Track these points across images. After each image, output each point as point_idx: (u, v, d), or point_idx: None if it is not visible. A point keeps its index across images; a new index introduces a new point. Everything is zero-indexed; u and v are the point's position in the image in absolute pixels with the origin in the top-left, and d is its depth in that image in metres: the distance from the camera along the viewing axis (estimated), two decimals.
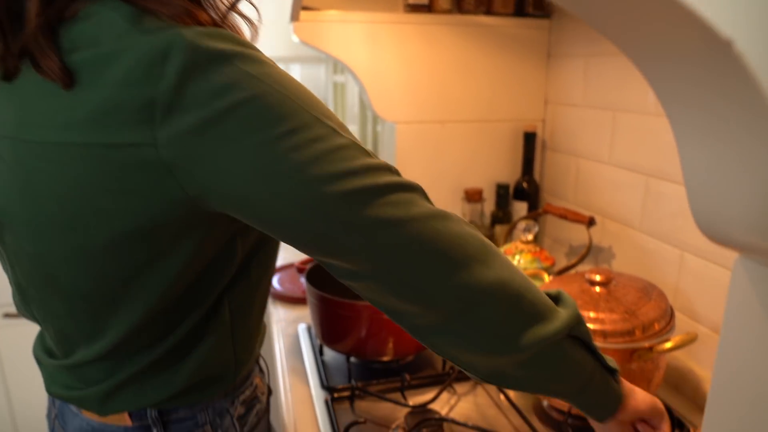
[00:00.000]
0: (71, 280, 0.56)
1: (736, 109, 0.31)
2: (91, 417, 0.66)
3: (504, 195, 1.45)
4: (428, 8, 1.38)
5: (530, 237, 1.18)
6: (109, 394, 0.63)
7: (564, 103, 1.38)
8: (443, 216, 0.53)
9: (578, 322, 0.57)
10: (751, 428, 0.38)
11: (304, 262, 1.43)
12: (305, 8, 1.27)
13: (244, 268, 0.64)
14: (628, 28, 0.33)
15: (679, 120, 0.35)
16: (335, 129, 0.49)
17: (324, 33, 1.29)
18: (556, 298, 0.60)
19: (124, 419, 0.65)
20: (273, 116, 0.46)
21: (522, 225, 1.19)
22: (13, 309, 1.85)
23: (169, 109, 0.46)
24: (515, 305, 0.53)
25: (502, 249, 1.22)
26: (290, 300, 1.35)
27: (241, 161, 0.47)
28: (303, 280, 1.39)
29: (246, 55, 0.48)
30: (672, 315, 0.86)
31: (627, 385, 0.63)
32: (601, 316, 0.83)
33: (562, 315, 0.56)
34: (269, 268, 0.70)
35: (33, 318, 0.66)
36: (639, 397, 0.63)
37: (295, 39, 1.33)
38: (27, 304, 0.65)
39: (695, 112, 0.33)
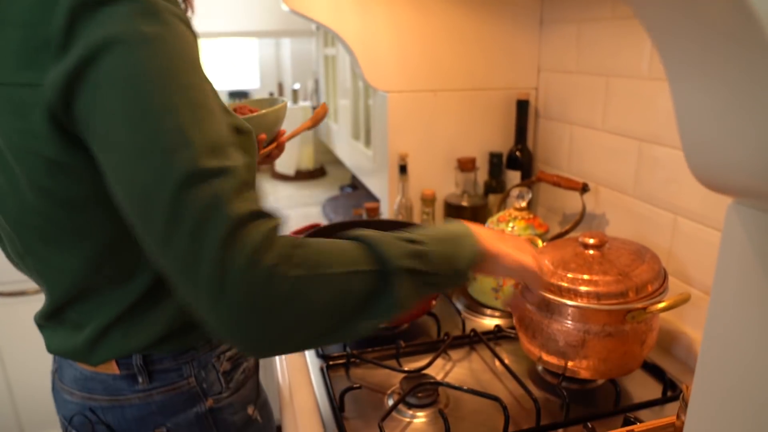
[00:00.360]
0: (20, 216, 0.59)
1: (737, 48, 0.30)
2: (84, 367, 0.69)
3: (497, 164, 1.44)
4: None
5: (523, 204, 1.18)
6: (96, 340, 0.65)
7: (557, 70, 1.37)
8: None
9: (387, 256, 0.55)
10: (741, 384, 0.38)
11: (299, 231, 1.42)
12: None
13: None
14: None
15: (675, 62, 0.34)
16: (190, 128, 0.48)
17: (314, 1, 1.27)
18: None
19: (112, 367, 0.67)
20: (142, 86, 0.47)
21: (515, 192, 1.19)
22: (6, 287, 1.85)
23: (58, 50, 0.47)
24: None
25: (496, 216, 1.22)
26: None
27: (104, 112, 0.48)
28: None
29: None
30: (665, 277, 0.87)
31: (491, 248, 0.67)
32: (595, 278, 0.83)
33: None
34: None
35: (28, 271, 0.68)
36: (504, 260, 0.68)
37: (285, 8, 1.30)
38: (17, 255, 0.67)
39: (693, 52, 0.33)
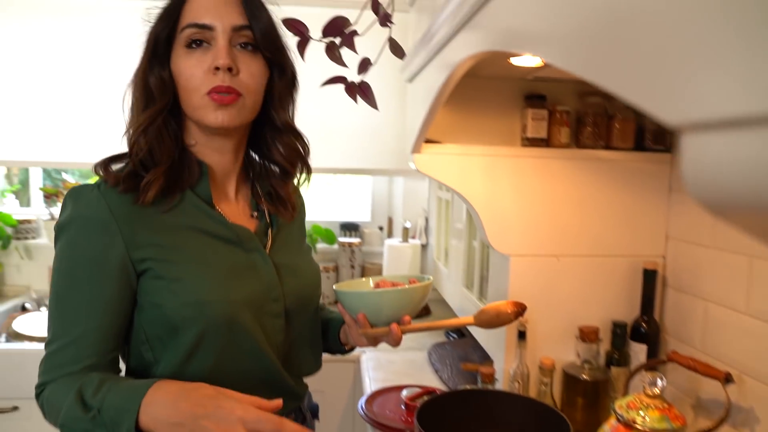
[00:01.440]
0: None
1: None
2: None
3: (621, 335, 1.36)
4: (546, 142, 1.39)
5: (657, 391, 1.09)
6: None
7: (689, 240, 1.31)
8: None
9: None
10: None
11: (414, 397, 1.38)
12: (428, 141, 1.31)
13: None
14: None
15: None
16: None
17: (442, 164, 1.32)
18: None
19: None
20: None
21: (647, 377, 1.10)
22: None
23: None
24: None
25: (624, 401, 1.13)
26: (391, 430, 1.30)
27: None
28: (415, 421, 1.34)
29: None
30: None
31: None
32: None
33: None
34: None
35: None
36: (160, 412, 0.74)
37: (412, 166, 1.37)
38: None
39: None
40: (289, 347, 0.99)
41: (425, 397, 1.34)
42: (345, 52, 1.17)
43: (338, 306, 1.02)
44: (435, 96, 1.06)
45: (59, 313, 0.85)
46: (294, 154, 1.00)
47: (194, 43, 0.86)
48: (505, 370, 1.38)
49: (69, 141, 2.40)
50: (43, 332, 2.15)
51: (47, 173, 2.89)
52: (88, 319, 0.83)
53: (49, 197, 2.68)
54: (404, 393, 1.46)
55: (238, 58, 0.87)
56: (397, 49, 1.28)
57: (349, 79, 1.20)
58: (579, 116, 1.42)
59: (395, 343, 0.97)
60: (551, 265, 1.36)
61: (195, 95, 0.87)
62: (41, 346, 1.99)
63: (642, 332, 1.35)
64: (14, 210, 2.72)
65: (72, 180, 2.76)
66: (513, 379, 1.34)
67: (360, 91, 1.27)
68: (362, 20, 1.17)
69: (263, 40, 0.90)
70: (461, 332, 2.05)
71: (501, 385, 1.38)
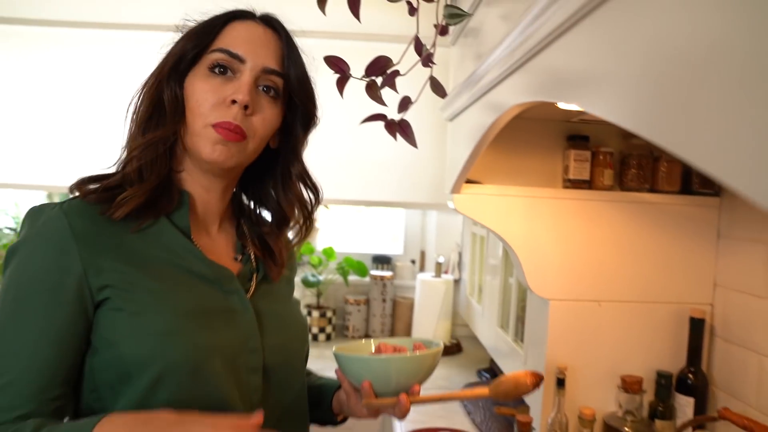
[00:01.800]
0: None
1: None
2: None
3: (666, 386, 1.30)
4: (589, 184, 1.36)
5: None
6: None
7: (740, 289, 1.26)
8: None
9: None
10: None
11: None
12: (467, 181, 1.30)
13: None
14: None
15: None
16: None
17: (482, 205, 1.30)
18: None
19: None
20: None
21: None
22: None
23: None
24: None
25: None
26: None
27: None
28: None
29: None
30: None
31: None
32: None
33: None
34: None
35: None
36: None
37: (451, 206, 1.35)
38: None
39: None
40: (270, 415, 0.80)
41: None
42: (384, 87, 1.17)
43: (336, 371, 0.92)
44: (480, 138, 1.05)
45: (0, 346, 0.72)
46: (299, 205, 0.93)
47: (218, 68, 0.81)
48: (542, 418, 1.33)
49: (105, 167, 2.45)
50: None
51: None
52: (32, 355, 0.71)
53: None
54: None
55: (257, 100, 0.82)
56: (438, 88, 1.28)
57: (389, 116, 1.19)
58: (623, 158, 1.38)
59: (402, 415, 0.86)
60: (592, 310, 1.32)
61: (199, 121, 0.80)
62: None
63: (689, 384, 1.28)
64: None
65: None
66: (551, 428, 1.29)
67: (400, 129, 1.27)
68: (404, 59, 1.17)
69: (296, 90, 0.86)
70: (494, 372, 2.00)
71: None
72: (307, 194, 0.93)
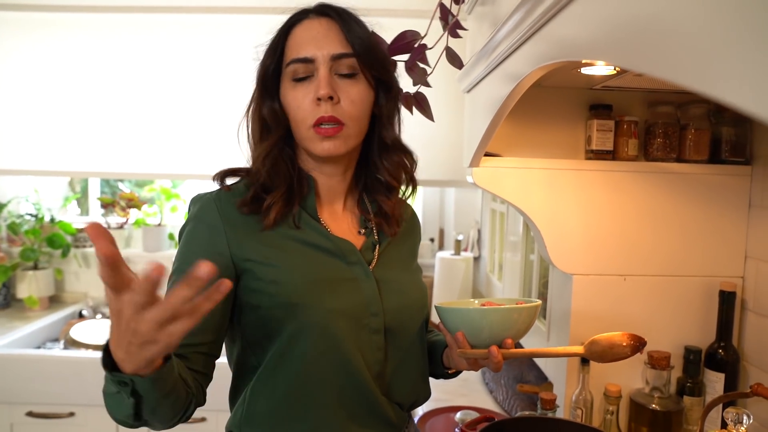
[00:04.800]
0: None
1: None
2: None
3: (695, 361, 1.27)
4: (612, 155, 1.31)
5: (742, 430, 1.00)
6: None
7: None
8: None
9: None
10: None
11: (471, 423, 1.32)
12: (486, 154, 1.26)
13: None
14: None
15: None
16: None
17: (502, 179, 1.26)
18: None
19: None
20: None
21: (731, 413, 1.01)
22: (38, 408, 2.01)
23: None
24: None
25: None
26: None
27: None
28: None
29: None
30: None
31: None
32: None
33: None
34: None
35: None
36: None
37: (470, 180, 1.31)
38: None
39: None
40: (390, 370, 0.95)
41: (483, 424, 1.28)
42: (396, 58, 1.13)
43: (440, 325, 0.98)
44: (498, 109, 1.01)
45: None
46: (400, 171, 1.02)
47: (299, 77, 0.90)
48: (566, 395, 1.30)
49: (125, 153, 2.45)
50: (99, 340, 2.19)
51: (105, 183, 2.97)
52: None
53: (105, 207, 2.74)
54: (458, 416, 1.40)
55: (338, 87, 0.89)
56: (454, 59, 1.24)
57: (404, 89, 1.16)
58: (648, 126, 1.33)
59: (495, 367, 0.89)
60: (617, 285, 1.28)
61: (302, 127, 0.90)
62: (97, 354, 2.04)
63: (719, 359, 1.25)
64: (73, 218, 2.80)
65: (127, 190, 2.83)
66: (575, 405, 1.26)
67: (416, 102, 1.23)
68: (422, 31, 1.13)
69: (369, 63, 0.92)
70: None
71: (562, 411, 1.30)
72: (402, 158, 1.01)
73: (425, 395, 1.04)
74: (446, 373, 1.09)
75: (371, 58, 0.92)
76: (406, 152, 1.02)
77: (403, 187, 1.04)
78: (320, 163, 0.96)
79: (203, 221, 0.90)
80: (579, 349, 0.89)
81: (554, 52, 0.71)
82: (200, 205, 0.91)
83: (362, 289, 0.92)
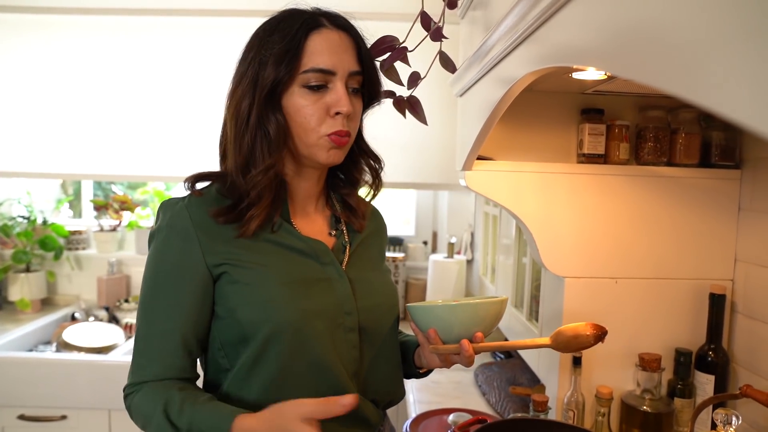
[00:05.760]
0: None
1: None
2: None
3: (685, 364, 1.28)
4: (604, 158, 1.32)
5: (731, 430, 1.01)
6: None
7: (762, 264, 1.22)
8: None
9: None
10: None
11: (463, 426, 1.32)
12: (479, 158, 1.26)
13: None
14: None
15: None
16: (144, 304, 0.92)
17: (494, 182, 1.27)
18: None
19: None
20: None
21: (721, 414, 1.02)
22: (30, 411, 1.98)
23: None
24: None
25: None
26: None
27: None
28: None
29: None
30: None
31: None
32: None
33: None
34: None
35: None
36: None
37: (463, 183, 1.32)
38: None
39: None
40: (365, 369, 0.97)
41: (476, 426, 1.28)
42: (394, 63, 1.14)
43: (411, 324, 1.00)
44: (490, 112, 1.02)
45: (144, 314, 0.91)
46: (367, 169, 1.05)
47: (314, 86, 0.89)
48: (558, 397, 1.31)
49: (118, 155, 2.45)
50: (91, 343, 2.19)
51: (98, 185, 2.96)
52: (168, 321, 0.89)
53: (98, 209, 2.74)
54: (451, 418, 1.41)
55: (351, 102, 0.90)
56: (447, 63, 1.24)
57: (398, 93, 1.16)
58: (639, 131, 1.34)
59: (467, 361, 0.92)
60: (609, 287, 1.29)
61: (312, 135, 0.90)
62: (90, 357, 2.04)
63: (709, 362, 1.26)
64: (66, 221, 2.79)
65: (120, 192, 2.82)
66: (567, 407, 1.27)
67: (409, 105, 1.23)
68: (413, 36, 1.13)
69: (369, 81, 0.95)
70: (509, 352, 1.98)
71: (554, 413, 1.31)
72: (370, 161, 1.05)
73: (400, 394, 1.06)
74: (418, 372, 1.11)
75: (372, 76, 0.96)
76: (375, 158, 1.05)
77: (369, 189, 1.07)
78: (302, 166, 0.96)
79: (174, 229, 0.89)
80: (546, 340, 0.92)
81: (547, 56, 0.72)
82: (171, 212, 0.91)
83: (336, 288, 0.94)
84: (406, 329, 1.12)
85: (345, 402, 0.74)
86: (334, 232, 1.02)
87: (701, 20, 0.39)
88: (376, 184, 1.07)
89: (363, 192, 1.09)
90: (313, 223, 1.00)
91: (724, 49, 0.37)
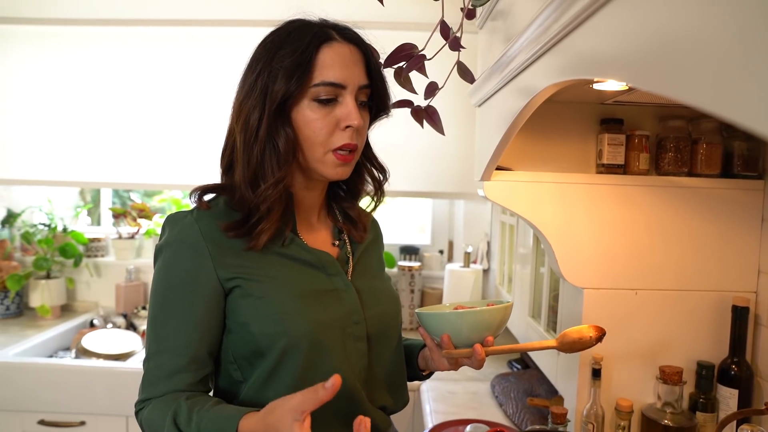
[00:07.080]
0: None
1: None
2: None
3: (707, 377, 1.26)
4: (623, 169, 1.31)
5: None
6: None
7: None
8: None
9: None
10: None
11: None
12: (498, 168, 1.26)
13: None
14: None
15: None
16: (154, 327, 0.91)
17: (513, 192, 1.27)
18: None
19: None
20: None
21: (745, 430, 1.00)
22: (49, 416, 2.00)
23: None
24: None
25: None
26: None
27: None
28: None
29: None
30: None
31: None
32: None
33: None
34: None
35: None
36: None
37: (481, 194, 1.31)
38: None
39: None
40: (374, 376, 0.98)
41: None
42: (411, 74, 1.14)
43: (420, 330, 1.02)
44: (510, 123, 1.01)
45: (154, 330, 0.90)
46: (370, 180, 1.05)
47: (324, 100, 0.88)
48: (577, 410, 1.29)
49: (136, 164, 2.48)
50: (109, 350, 2.20)
51: (116, 193, 3.00)
52: (180, 336, 0.88)
53: (117, 217, 2.77)
54: (468, 429, 1.40)
55: (360, 116, 0.90)
56: (466, 74, 1.24)
57: (415, 102, 1.16)
58: (659, 141, 1.33)
59: (478, 364, 0.95)
60: (629, 299, 1.28)
61: (319, 149, 0.90)
62: (108, 363, 2.05)
63: (732, 375, 1.24)
64: (85, 228, 2.83)
65: (138, 200, 2.85)
66: (586, 420, 1.25)
67: (427, 115, 1.23)
68: (431, 45, 1.14)
69: (377, 94, 0.95)
70: (525, 363, 1.96)
71: (573, 426, 1.30)
72: (376, 172, 1.05)
73: (405, 400, 1.07)
74: (421, 374, 1.12)
75: (380, 90, 0.96)
76: (381, 169, 1.06)
77: (371, 199, 1.07)
78: (308, 179, 0.96)
79: (185, 243, 0.88)
80: (552, 342, 0.97)
81: (571, 68, 0.72)
82: (180, 226, 0.89)
83: (344, 299, 0.95)
84: (406, 333, 1.13)
85: (328, 385, 0.72)
86: (337, 242, 1.03)
87: (731, 33, 0.39)
88: (379, 196, 1.07)
89: (364, 203, 1.09)
90: (317, 234, 1.01)
91: (754, 63, 0.36)
